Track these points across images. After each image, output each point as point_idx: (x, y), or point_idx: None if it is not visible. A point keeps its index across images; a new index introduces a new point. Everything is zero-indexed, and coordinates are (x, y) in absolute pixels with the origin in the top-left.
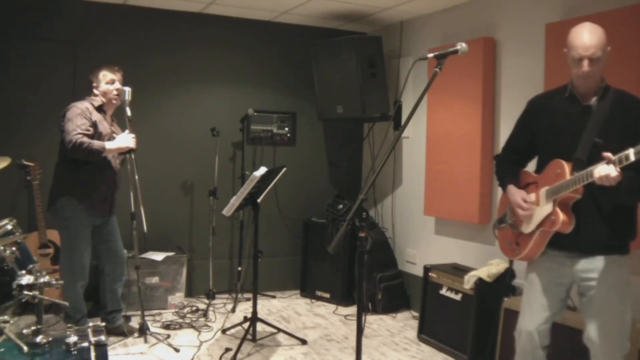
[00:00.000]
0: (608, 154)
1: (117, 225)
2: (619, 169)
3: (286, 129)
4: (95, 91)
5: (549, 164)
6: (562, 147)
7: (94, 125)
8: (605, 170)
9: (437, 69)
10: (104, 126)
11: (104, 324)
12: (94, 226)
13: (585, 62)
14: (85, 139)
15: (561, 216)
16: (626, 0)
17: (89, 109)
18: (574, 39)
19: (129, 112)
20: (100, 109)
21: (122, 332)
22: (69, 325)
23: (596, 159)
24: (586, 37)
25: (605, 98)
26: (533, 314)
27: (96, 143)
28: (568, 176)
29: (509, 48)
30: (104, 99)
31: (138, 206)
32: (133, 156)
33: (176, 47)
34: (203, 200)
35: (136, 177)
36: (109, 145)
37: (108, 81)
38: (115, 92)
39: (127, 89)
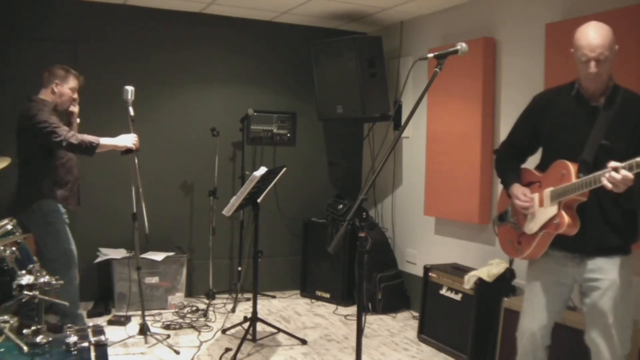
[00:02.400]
0: (614, 164)
1: None
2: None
3: (286, 129)
4: (54, 88)
5: (554, 163)
6: (567, 147)
7: None
8: (617, 177)
9: (437, 69)
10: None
11: (103, 323)
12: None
13: (592, 64)
14: (78, 135)
15: (566, 219)
16: (626, 0)
17: (50, 112)
18: (580, 39)
19: (131, 112)
20: (54, 109)
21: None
22: (69, 325)
23: (602, 160)
24: (592, 37)
25: (613, 98)
26: (535, 315)
27: (88, 137)
28: (574, 178)
29: (509, 48)
30: (58, 100)
31: (140, 207)
32: (136, 158)
33: (176, 47)
34: (203, 200)
35: (139, 178)
36: (104, 141)
37: (72, 87)
38: (71, 102)
39: (130, 88)
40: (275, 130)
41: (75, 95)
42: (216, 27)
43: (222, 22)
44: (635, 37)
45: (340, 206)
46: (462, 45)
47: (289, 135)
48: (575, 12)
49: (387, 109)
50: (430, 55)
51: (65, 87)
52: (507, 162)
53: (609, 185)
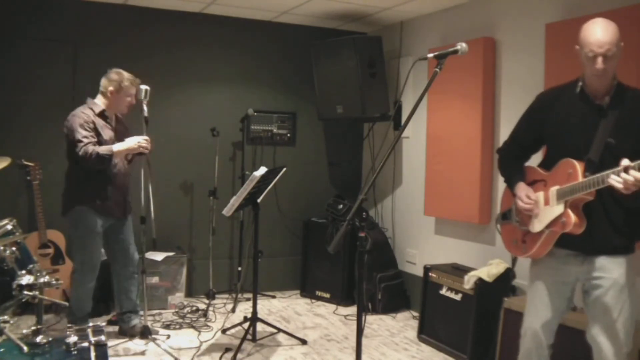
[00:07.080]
0: (626, 161)
1: (132, 225)
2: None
3: (286, 129)
4: (107, 94)
5: (560, 162)
6: (573, 146)
7: (96, 133)
8: (629, 178)
9: (437, 69)
10: (106, 133)
11: (103, 323)
12: (108, 225)
13: (600, 60)
14: (91, 148)
15: (573, 218)
16: (626, 0)
17: (89, 117)
18: (587, 35)
19: (146, 112)
20: (101, 114)
21: (136, 334)
22: (69, 325)
23: (608, 159)
24: (600, 33)
25: (617, 96)
26: (538, 313)
27: (103, 148)
28: (580, 177)
29: (509, 48)
30: (111, 107)
31: (149, 211)
32: (148, 161)
33: (176, 47)
34: (203, 200)
35: (150, 182)
36: (116, 147)
37: (129, 95)
38: (127, 107)
39: (145, 88)
40: (275, 130)
41: (133, 100)
42: (216, 27)
43: (222, 22)
44: (636, 36)
45: (340, 206)
46: (462, 45)
47: (289, 135)
48: (576, 12)
49: (387, 109)
50: (430, 55)
51: (122, 95)
52: (510, 161)
53: (619, 186)
